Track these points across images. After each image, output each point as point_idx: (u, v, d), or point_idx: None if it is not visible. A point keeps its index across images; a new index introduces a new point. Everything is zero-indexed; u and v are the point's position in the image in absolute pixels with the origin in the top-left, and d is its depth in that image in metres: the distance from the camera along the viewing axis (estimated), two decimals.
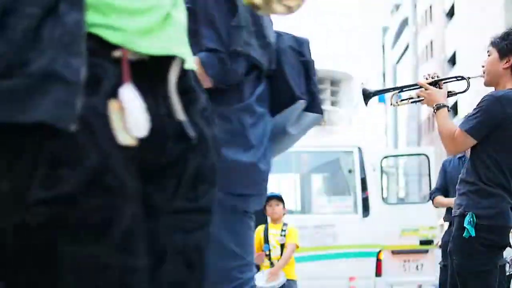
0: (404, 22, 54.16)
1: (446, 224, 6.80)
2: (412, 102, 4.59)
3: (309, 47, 2.83)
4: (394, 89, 4.85)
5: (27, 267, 1.35)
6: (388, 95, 5.38)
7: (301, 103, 2.74)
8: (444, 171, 6.52)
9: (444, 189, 6.42)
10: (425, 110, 46.64)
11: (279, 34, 2.77)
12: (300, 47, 2.79)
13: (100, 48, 1.37)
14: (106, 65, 1.37)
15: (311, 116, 2.80)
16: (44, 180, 1.34)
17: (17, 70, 1.30)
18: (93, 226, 1.35)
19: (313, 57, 2.99)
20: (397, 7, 58.03)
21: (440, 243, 6.56)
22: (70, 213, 1.34)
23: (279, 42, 2.73)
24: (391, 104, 4.82)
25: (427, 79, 4.32)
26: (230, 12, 2.49)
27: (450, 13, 41.95)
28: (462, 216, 4.02)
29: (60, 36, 1.34)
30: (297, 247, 7.26)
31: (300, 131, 2.86)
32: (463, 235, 3.98)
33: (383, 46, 57.61)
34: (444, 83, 4.36)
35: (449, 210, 6.14)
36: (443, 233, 6.68)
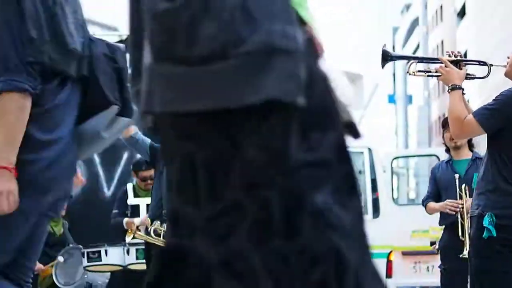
0: (415, 22, 54.02)
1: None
2: (428, 76, 4.59)
3: (123, 54, 2.86)
4: (414, 58, 4.85)
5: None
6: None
7: (114, 108, 2.75)
8: (433, 177, 6.46)
9: (435, 195, 6.37)
10: (436, 111, 46.51)
11: (91, 41, 2.83)
12: (113, 54, 2.82)
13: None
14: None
15: (123, 120, 2.82)
16: (301, 144, 1.36)
17: (233, 49, 1.26)
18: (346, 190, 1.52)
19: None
20: (408, 7, 57.91)
21: (437, 246, 6.52)
22: (329, 176, 1.37)
23: (92, 49, 2.77)
24: (407, 72, 4.80)
25: (450, 56, 4.27)
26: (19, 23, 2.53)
27: (461, 13, 41.81)
28: (481, 216, 3.94)
29: (269, 6, 1.29)
30: None
31: (112, 135, 2.90)
32: (483, 235, 3.89)
33: (393, 46, 57.49)
34: (465, 64, 4.31)
35: (442, 214, 6.13)
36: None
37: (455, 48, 42.26)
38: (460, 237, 5.56)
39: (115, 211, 7.99)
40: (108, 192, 9.76)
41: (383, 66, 4.56)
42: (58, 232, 8.60)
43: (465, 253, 5.22)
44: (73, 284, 7.80)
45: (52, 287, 8.04)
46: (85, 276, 7.70)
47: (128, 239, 5.76)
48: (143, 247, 7.10)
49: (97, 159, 9.83)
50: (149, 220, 5.61)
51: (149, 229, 5.53)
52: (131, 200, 7.80)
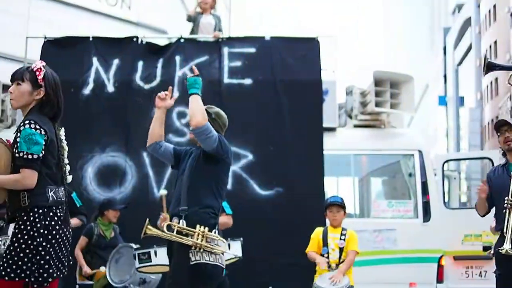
0: (467, 22, 53.22)
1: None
2: None
3: None
4: None
5: None
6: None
7: None
8: (489, 181, 6.29)
9: (488, 199, 6.22)
10: (488, 113, 45.72)
11: None
12: None
13: None
14: None
15: None
16: None
17: None
18: None
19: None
20: (460, 7, 57.07)
21: (492, 251, 6.37)
22: None
23: None
24: (508, 83, 4.78)
25: None
26: None
27: None
28: None
29: None
30: (358, 253, 7.17)
31: None
32: None
33: (444, 47, 56.67)
34: None
35: (498, 220, 5.96)
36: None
37: (508, 49, 41.44)
38: (504, 233, 5.46)
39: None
40: (158, 193, 9.81)
41: (485, 74, 4.60)
42: (109, 236, 8.73)
43: (505, 246, 5.23)
44: (127, 281, 7.89)
45: (107, 287, 8.14)
46: (136, 272, 7.78)
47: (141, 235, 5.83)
48: None
49: (147, 160, 9.90)
50: (168, 216, 5.67)
51: (162, 225, 5.62)
52: None
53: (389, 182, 10.97)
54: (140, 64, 10.32)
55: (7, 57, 28.41)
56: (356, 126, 10.61)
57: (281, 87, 10.12)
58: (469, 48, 52.04)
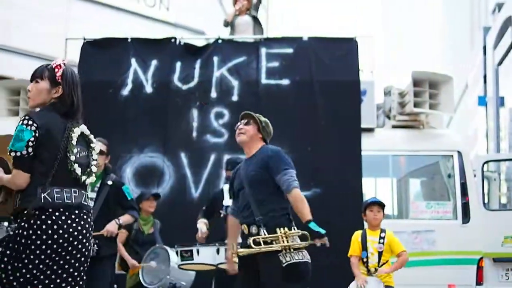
0: (507, 22, 52.50)
1: None
2: None
3: None
4: None
5: None
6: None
7: None
8: None
9: None
10: None
11: None
12: None
13: None
14: None
15: None
16: None
17: None
18: None
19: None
20: (500, 6, 56.32)
21: None
22: None
23: None
24: None
25: None
26: None
27: None
28: None
29: None
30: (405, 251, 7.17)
31: None
32: None
33: (484, 47, 55.94)
34: None
35: None
36: None
37: None
38: None
39: (204, 207, 8.13)
40: (195, 193, 9.85)
41: None
42: (147, 231, 8.75)
43: None
44: (157, 283, 7.94)
45: (138, 286, 8.19)
46: (168, 276, 7.83)
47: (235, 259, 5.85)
48: None
49: (184, 160, 9.94)
50: (246, 226, 5.69)
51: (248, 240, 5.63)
52: (227, 201, 7.90)
53: (427, 183, 10.87)
54: (178, 65, 10.37)
55: (47, 59, 28.79)
56: (394, 126, 10.53)
57: (318, 87, 10.08)
58: (510, 47, 51.30)
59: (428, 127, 10.48)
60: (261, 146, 6.03)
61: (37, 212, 4.05)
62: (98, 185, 7.33)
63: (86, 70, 10.34)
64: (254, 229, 5.57)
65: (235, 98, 10.21)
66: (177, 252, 7.49)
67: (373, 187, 10.47)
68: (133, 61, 10.40)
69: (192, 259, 7.38)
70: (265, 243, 5.48)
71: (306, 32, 10.93)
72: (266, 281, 5.48)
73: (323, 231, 5.60)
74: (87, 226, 4.25)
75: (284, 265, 5.40)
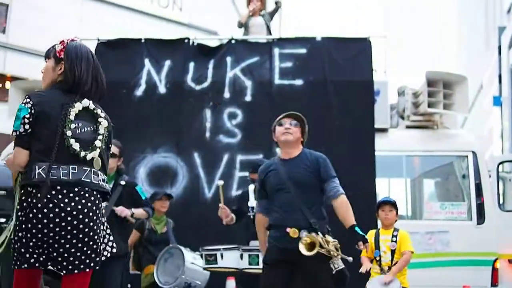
0: None
1: None
2: None
3: None
4: None
5: None
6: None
7: None
8: None
9: None
10: None
11: None
12: None
13: None
14: None
15: None
16: None
17: None
18: None
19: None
20: None
21: None
22: None
23: None
24: None
25: None
26: None
27: None
28: None
29: None
30: (412, 252, 7.09)
31: None
32: None
33: (499, 47, 55.70)
34: None
35: None
36: None
37: None
38: None
39: (233, 208, 8.14)
40: (208, 193, 9.85)
41: None
42: (160, 231, 8.75)
43: None
44: (172, 283, 7.94)
45: (153, 285, 8.20)
46: (183, 276, 7.84)
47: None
48: (256, 253, 7.25)
49: (198, 160, 9.95)
50: (295, 230, 5.67)
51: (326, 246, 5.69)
52: (252, 202, 7.91)
53: (442, 184, 10.82)
54: (192, 65, 10.37)
55: None
56: (408, 127, 10.49)
57: (332, 87, 10.05)
58: None
59: (442, 127, 10.43)
60: (301, 149, 6.04)
61: (34, 190, 3.96)
62: (111, 185, 7.35)
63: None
64: (305, 233, 5.57)
65: (248, 98, 10.21)
66: (201, 256, 7.53)
67: (386, 187, 10.43)
68: (146, 61, 10.42)
69: (216, 263, 7.44)
70: (321, 246, 5.57)
71: (318, 32, 10.90)
72: (323, 285, 5.58)
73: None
74: (89, 204, 4.07)
75: (334, 271, 5.56)
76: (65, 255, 3.99)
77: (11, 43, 29.74)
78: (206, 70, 10.34)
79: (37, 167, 3.98)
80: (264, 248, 5.93)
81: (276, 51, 10.39)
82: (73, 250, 4.00)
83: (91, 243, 4.06)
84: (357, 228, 5.68)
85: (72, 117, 4.13)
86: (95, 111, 4.32)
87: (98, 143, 4.27)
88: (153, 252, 8.49)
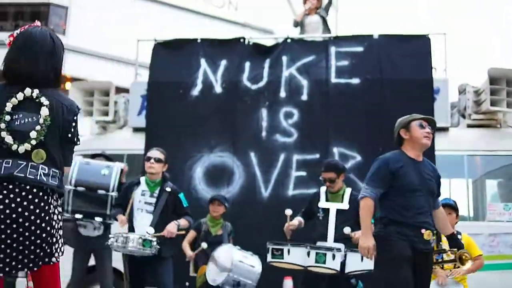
0: None
1: None
2: None
3: None
4: None
5: None
6: None
7: None
8: None
9: None
10: None
11: None
12: None
13: None
14: None
15: None
16: None
17: None
18: None
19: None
20: None
21: None
22: None
23: None
24: None
25: None
26: None
27: None
28: None
29: None
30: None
31: None
32: None
33: None
34: None
35: None
36: None
37: None
38: None
39: (303, 209, 8.12)
40: (265, 193, 9.81)
41: None
42: (214, 233, 8.75)
43: None
44: (220, 281, 7.95)
45: (206, 285, 8.23)
46: (230, 274, 7.83)
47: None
48: (324, 252, 7.23)
49: (254, 160, 9.91)
50: (430, 232, 5.77)
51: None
52: (322, 204, 7.87)
53: (505, 184, 10.54)
54: (247, 64, 10.35)
55: (118, 60, 29.28)
56: (469, 126, 10.24)
57: (389, 86, 9.89)
58: None
59: (505, 126, 10.17)
60: None
61: None
62: (157, 191, 7.71)
63: (157, 71, 10.51)
64: (433, 238, 5.70)
65: (304, 97, 10.13)
66: (268, 249, 7.51)
67: (447, 188, 10.20)
68: (202, 61, 10.45)
69: (282, 258, 7.41)
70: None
71: (376, 30, 10.72)
72: None
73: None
74: (18, 200, 3.79)
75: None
76: (2, 254, 3.77)
77: (71, 45, 30.31)
78: (262, 69, 10.31)
79: None
80: (370, 233, 5.76)
81: (333, 49, 10.28)
82: (8, 250, 3.77)
83: (27, 242, 3.79)
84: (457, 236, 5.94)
85: (8, 108, 3.88)
86: (38, 100, 3.96)
87: (33, 134, 3.88)
88: (208, 253, 8.51)
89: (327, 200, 7.94)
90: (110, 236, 7.51)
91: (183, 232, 8.04)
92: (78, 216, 8.17)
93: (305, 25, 11.27)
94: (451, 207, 7.07)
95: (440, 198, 6.15)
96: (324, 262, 7.19)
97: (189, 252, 8.60)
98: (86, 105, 10.90)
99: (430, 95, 9.80)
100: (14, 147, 3.83)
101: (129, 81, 11.39)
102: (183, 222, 7.68)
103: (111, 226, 8.41)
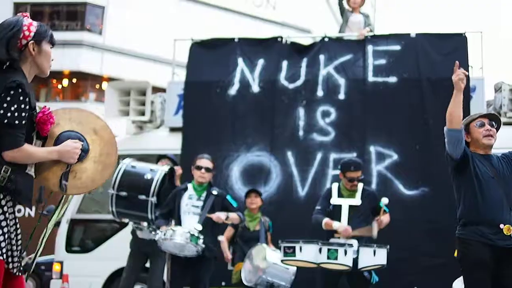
0: None
1: None
2: None
3: None
4: None
5: None
6: None
7: None
8: None
9: None
10: None
11: None
12: None
13: None
14: None
15: None
16: None
17: None
18: None
19: None
20: None
21: None
22: None
23: None
24: None
25: None
26: None
27: None
28: None
29: None
30: None
31: None
32: None
33: None
34: None
35: None
36: None
37: None
38: None
39: (318, 207, 8.14)
40: (302, 192, 9.86)
41: None
42: (252, 228, 8.84)
43: None
44: (254, 281, 8.03)
45: (241, 282, 8.33)
46: (264, 275, 7.90)
47: None
48: (335, 248, 7.23)
49: (291, 159, 9.97)
50: (510, 227, 5.57)
51: None
52: (334, 200, 7.90)
53: None
54: (285, 63, 10.40)
55: (156, 60, 29.49)
56: (505, 124, 10.18)
57: (427, 84, 9.89)
58: None
59: None
60: None
61: None
62: (204, 195, 7.94)
63: (194, 70, 10.59)
64: None
65: (341, 96, 10.16)
66: (280, 248, 7.54)
67: None
68: (240, 60, 10.51)
69: (294, 256, 7.40)
70: None
71: (414, 28, 10.72)
72: None
73: None
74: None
75: None
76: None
77: (107, 45, 30.61)
78: (299, 68, 10.35)
79: None
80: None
81: (370, 48, 10.30)
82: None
83: None
84: None
85: None
86: None
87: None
88: (244, 249, 8.60)
89: (339, 196, 7.97)
90: (158, 231, 7.68)
91: (231, 226, 8.25)
92: (125, 220, 8.31)
93: (349, 23, 11.21)
94: None
95: None
96: (336, 258, 7.19)
97: (227, 254, 8.71)
98: (122, 105, 11.00)
99: (466, 93, 9.76)
100: None
101: (166, 80, 11.48)
102: (232, 215, 7.90)
103: None
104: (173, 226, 7.72)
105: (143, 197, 8.00)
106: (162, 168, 8.31)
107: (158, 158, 9.09)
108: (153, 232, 8.21)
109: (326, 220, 7.79)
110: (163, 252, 7.87)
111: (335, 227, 7.69)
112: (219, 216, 7.72)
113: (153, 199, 7.97)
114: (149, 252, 8.53)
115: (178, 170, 8.69)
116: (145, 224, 8.30)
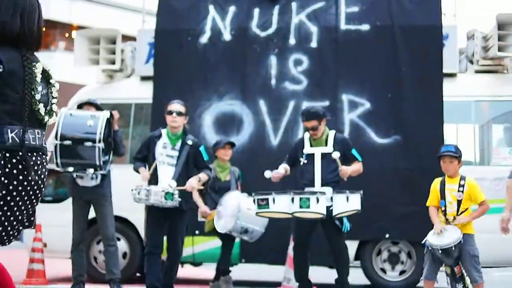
0: None
1: None
2: None
3: None
4: None
5: None
6: None
7: None
8: None
9: None
10: None
11: None
12: None
13: None
14: None
15: None
16: None
17: None
18: None
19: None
20: None
21: None
22: None
23: None
24: None
25: None
26: None
27: None
28: None
29: None
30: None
31: None
32: None
33: None
34: None
35: None
36: None
37: None
38: None
39: (287, 155, 8.18)
40: (274, 141, 9.87)
41: None
42: (223, 178, 8.87)
43: None
44: (228, 228, 8.12)
45: (215, 230, 8.41)
46: (238, 221, 7.98)
47: None
48: (307, 196, 7.26)
49: (263, 108, 9.95)
50: None
51: None
52: (307, 149, 7.91)
53: (511, 129, 10.58)
54: (256, 11, 10.29)
55: (126, 7, 29.07)
56: (477, 71, 10.24)
57: (399, 32, 9.86)
58: None
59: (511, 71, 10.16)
60: None
61: (7, 154, 3.64)
62: (178, 144, 7.85)
63: (164, 18, 10.44)
64: None
65: (314, 44, 10.10)
66: (254, 200, 7.57)
67: (454, 133, 10.26)
68: (211, 8, 10.37)
69: (268, 207, 7.43)
70: None
71: None
72: None
73: None
74: (44, 170, 3.81)
75: None
76: (28, 218, 3.84)
77: None
78: (271, 16, 10.25)
79: (9, 130, 3.63)
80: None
81: None
82: (31, 212, 3.84)
83: (38, 201, 3.86)
84: None
85: (38, 78, 3.78)
86: (49, 72, 3.91)
87: (54, 107, 3.90)
88: (215, 199, 8.64)
89: (311, 145, 7.97)
90: (132, 188, 7.64)
91: (203, 187, 8.19)
92: (70, 169, 8.11)
93: None
94: (451, 155, 6.99)
95: (447, 143, 6.12)
96: (308, 207, 7.22)
97: (202, 205, 8.70)
98: (92, 54, 10.82)
99: (439, 41, 9.79)
100: (46, 118, 3.82)
101: (136, 28, 11.30)
102: (203, 176, 7.86)
103: (106, 175, 8.34)
104: (147, 185, 7.68)
105: (89, 143, 7.91)
106: (103, 114, 8.15)
107: (79, 105, 8.73)
108: (93, 181, 8.19)
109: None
110: (106, 197, 7.97)
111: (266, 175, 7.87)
112: (193, 185, 7.70)
113: (101, 145, 7.88)
114: (92, 199, 8.34)
115: (116, 114, 8.42)
116: (91, 171, 8.08)
